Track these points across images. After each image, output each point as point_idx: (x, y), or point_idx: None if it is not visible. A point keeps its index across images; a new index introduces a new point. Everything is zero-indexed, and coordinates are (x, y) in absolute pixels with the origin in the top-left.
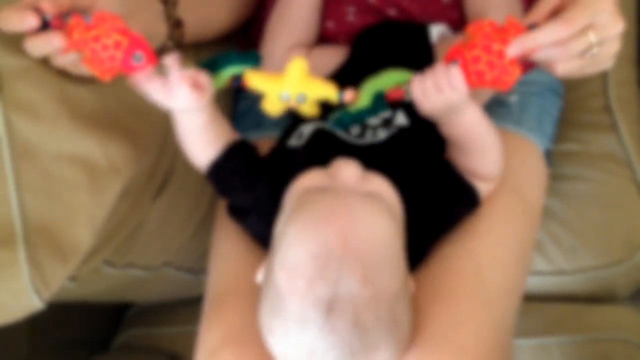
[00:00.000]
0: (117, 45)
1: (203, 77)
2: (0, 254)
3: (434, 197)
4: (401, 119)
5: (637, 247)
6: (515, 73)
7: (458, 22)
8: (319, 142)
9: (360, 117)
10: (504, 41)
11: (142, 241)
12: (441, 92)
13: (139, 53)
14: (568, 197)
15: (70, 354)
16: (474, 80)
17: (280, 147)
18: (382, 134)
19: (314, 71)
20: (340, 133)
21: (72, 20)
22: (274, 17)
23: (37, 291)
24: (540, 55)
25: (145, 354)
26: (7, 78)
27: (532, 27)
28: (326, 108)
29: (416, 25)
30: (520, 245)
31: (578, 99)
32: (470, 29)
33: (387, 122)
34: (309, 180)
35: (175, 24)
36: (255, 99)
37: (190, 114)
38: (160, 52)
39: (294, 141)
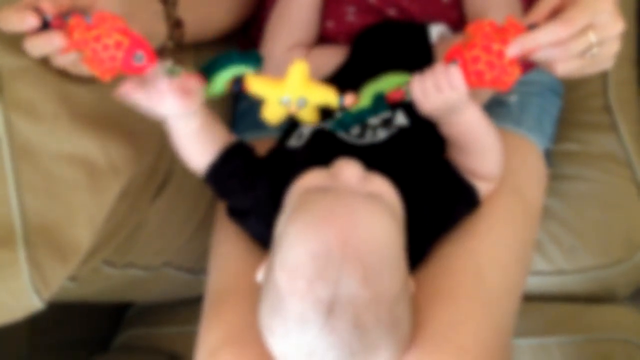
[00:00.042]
0: (118, 45)
1: (192, 83)
2: (0, 254)
3: (434, 197)
4: (401, 119)
5: (637, 247)
6: (515, 73)
7: (458, 22)
8: (319, 142)
9: (360, 118)
10: (504, 41)
11: (142, 241)
12: (441, 91)
13: (140, 53)
14: (568, 197)
15: (70, 354)
16: (473, 80)
17: (280, 147)
18: (382, 134)
19: (313, 71)
20: (340, 133)
21: (73, 20)
22: (274, 17)
23: (37, 291)
24: (540, 55)
25: (145, 354)
26: (7, 78)
27: (532, 27)
28: (325, 114)
29: (416, 25)
30: (520, 245)
31: (578, 99)
32: (470, 29)
33: (387, 122)
34: (310, 180)
35: (175, 24)
36: (255, 99)
37: (182, 120)
38: (160, 52)
39: (294, 141)
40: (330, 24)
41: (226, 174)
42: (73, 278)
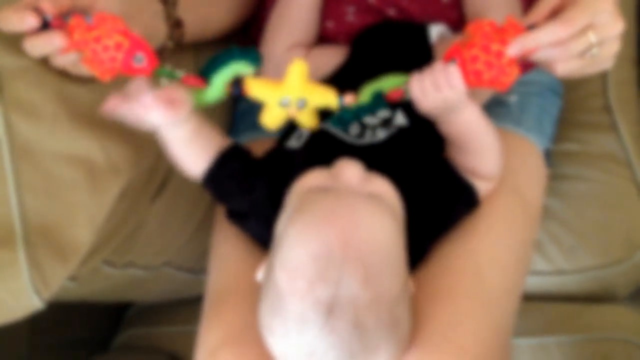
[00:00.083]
0: (118, 46)
1: (178, 93)
2: (0, 254)
3: (434, 197)
4: (400, 119)
5: (636, 247)
6: (513, 74)
7: (458, 22)
8: (319, 142)
9: (359, 114)
10: (503, 41)
11: (142, 241)
12: (439, 90)
13: (140, 54)
14: (568, 197)
15: (70, 354)
16: (471, 79)
17: (279, 148)
18: (382, 134)
19: (313, 71)
20: (339, 133)
21: (73, 21)
22: (274, 17)
23: (37, 291)
24: (540, 55)
25: (145, 353)
26: (7, 78)
27: (531, 27)
28: (324, 117)
29: (416, 25)
30: (520, 245)
31: (578, 99)
32: (470, 28)
33: (386, 122)
34: (311, 180)
35: (175, 24)
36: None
37: (173, 128)
38: (160, 52)
39: (294, 142)
40: (330, 24)
41: (223, 178)
42: (73, 278)
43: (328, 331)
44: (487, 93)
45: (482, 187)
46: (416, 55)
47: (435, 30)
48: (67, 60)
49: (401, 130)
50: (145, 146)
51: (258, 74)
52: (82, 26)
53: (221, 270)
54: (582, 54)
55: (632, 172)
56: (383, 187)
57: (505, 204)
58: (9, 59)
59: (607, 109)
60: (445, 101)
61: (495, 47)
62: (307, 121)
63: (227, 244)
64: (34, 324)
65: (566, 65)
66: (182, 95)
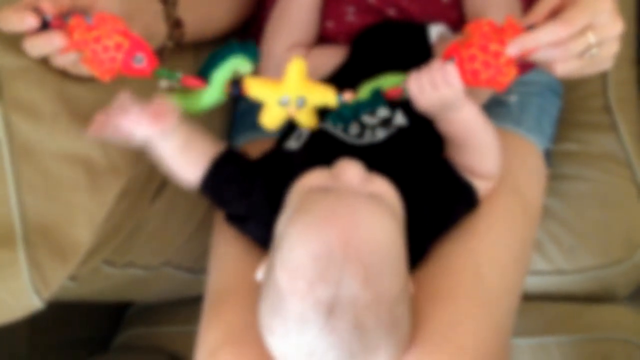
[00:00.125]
0: (118, 46)
1: (163, 106)
2: (0, 254)
3: (434, 197)
4: (400, 118)
5: (636, 247)
6: (511, 74)
7: (457, 22)
8: (318, 142)
9: (358, 111)
10: (502, 41)
11: (142, 241)
12: (436, 88)
13: (140, 55)
14: (568, 197)
15: (70, 353)
16: (469, 78)
17: (277, 149)
18: (381, 134)
19: (313, 71)
20: (339, 133)
21: (73, 21)
22: (274, 17)
23: (37, 291)
24: (539, 56)
25: (145, 353)
26: (7, 78)
27: (531, 27)
28: (323, 117)
29: (415, 25)
30: (520, 245)
31: (578, 99)
32: (469, 28)
33: (386, 122)
34: (312, 180)
35: (175, 24)
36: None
37: (162, 140)
38: (160, 52)
39: (293, 142)
40: (330, 24)
41: (221, 183)
42: (73, 278)
43: (328, 331)
44: (486, 93)
45: (481, 186)
46: (416, 55)
47: (435, 30)
48: (67, 60)
49: (401, 130)
50: None
51: (256, 72)
52: (82, 26)
53: (221, 270)
54: (582, 54)
55: (632, 172)
56: (383, 187)
57: (505, 203)
58: (9, 59)
59: (607, 109)
60: (443, 99)
61: (493, 47)
62: (307, 120)
63: (227, 244)
64: (34, 324)
65: (566, 66)
66: (168, 106)
